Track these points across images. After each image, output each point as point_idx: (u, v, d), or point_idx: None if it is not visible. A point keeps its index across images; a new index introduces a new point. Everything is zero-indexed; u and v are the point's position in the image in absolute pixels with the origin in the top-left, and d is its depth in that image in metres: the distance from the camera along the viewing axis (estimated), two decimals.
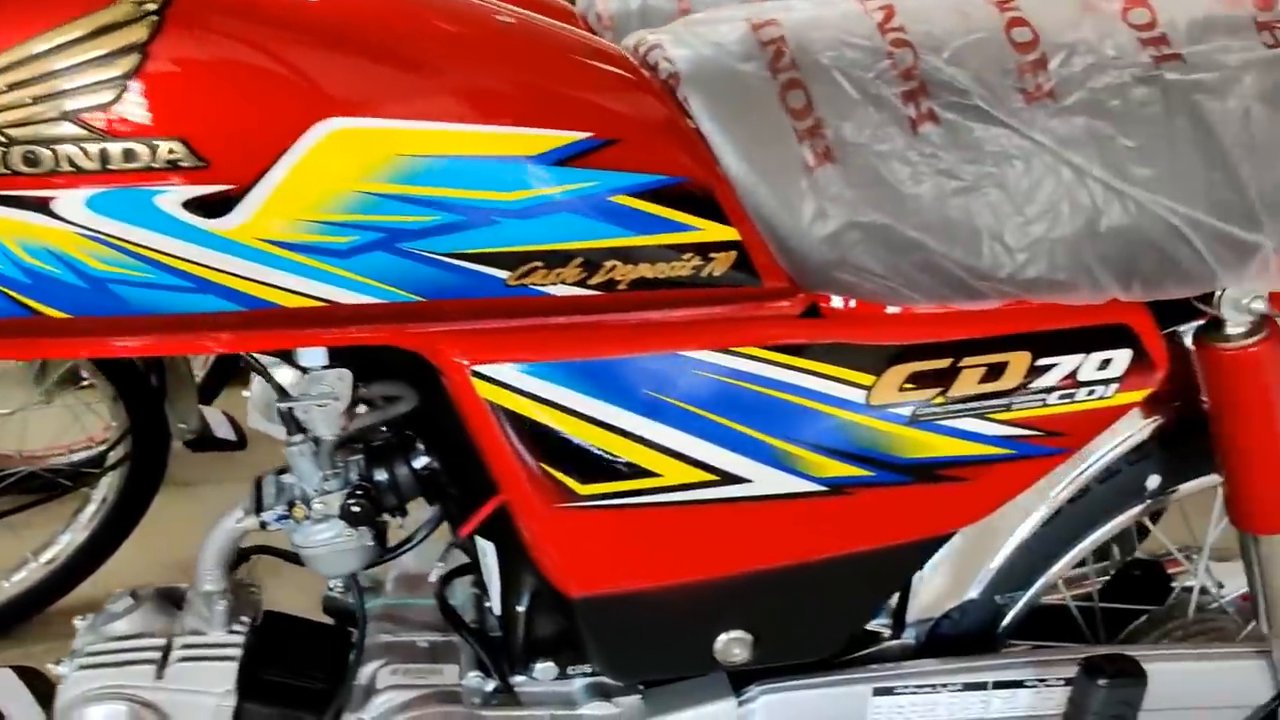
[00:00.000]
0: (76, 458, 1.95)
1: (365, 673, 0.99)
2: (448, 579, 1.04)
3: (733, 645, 0.92)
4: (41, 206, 0.65)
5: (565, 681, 0.98)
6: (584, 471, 0.80)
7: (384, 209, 0.70)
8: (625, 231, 0.75)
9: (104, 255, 0.67)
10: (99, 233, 0.66)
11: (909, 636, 1.06)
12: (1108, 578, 1.27)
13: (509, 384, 0.76)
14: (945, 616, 1.05)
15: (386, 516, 0.97)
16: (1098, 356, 0.85)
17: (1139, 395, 0.88)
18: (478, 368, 0.76)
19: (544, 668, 0.97)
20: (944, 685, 0.99)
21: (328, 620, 1.08)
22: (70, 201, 0.65)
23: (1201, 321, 0.90)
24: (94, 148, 0.64)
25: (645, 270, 0.77)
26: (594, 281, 0.76)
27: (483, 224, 0.72)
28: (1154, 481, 1.02)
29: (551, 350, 0.77)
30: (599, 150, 0.74)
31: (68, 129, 0.64)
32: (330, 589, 1.10)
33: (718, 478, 0.82)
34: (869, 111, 0.77)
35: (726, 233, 0.78)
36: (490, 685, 0.97)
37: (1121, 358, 0.86)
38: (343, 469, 0.91)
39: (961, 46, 0.77)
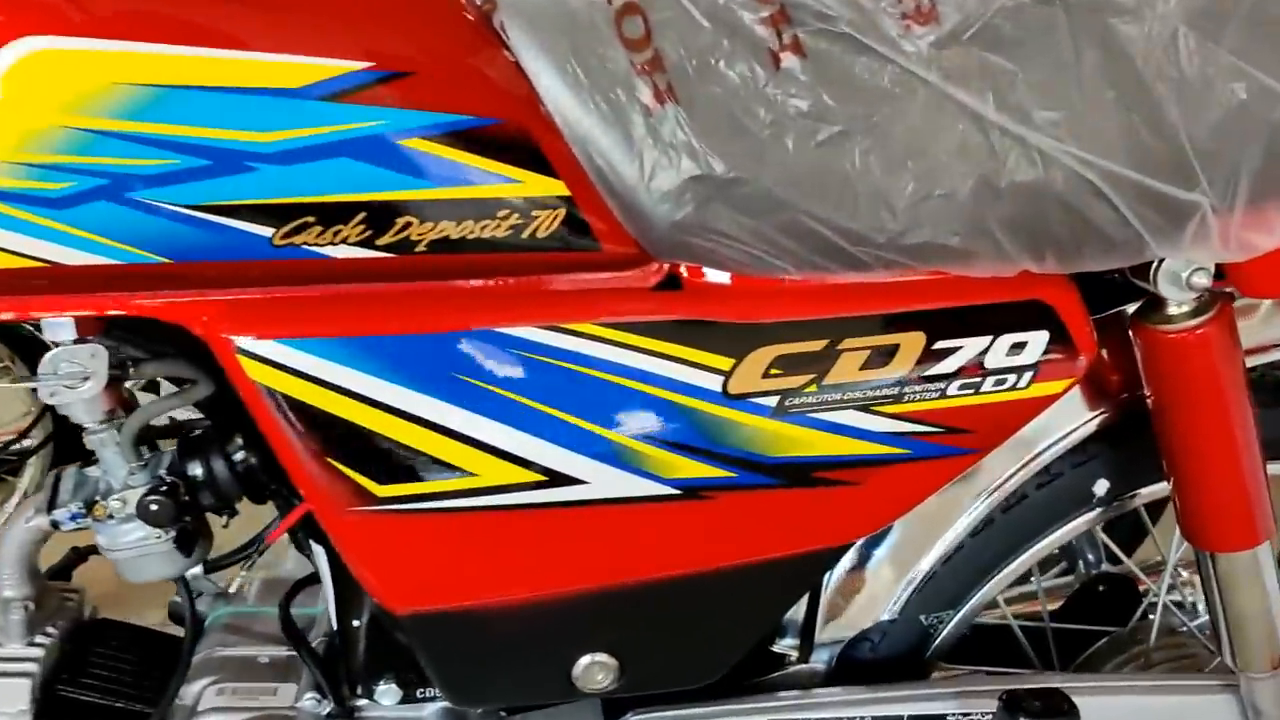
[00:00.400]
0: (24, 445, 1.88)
1: (192, 691, 0.88)
2: (300, 587, 0.93)
3: (595, 670, 0.80)
4: None
5: (414, 706, 0.87)
6: (382, 470, 0.68)
7: (106, 150, 0.58)
8: (420, 182, 0.63)
9: None
10: None
11: (819, 660, 0.93)
12: (1069, 595, 1.14)
13: (283, 364, 0.64)
14: (863, 638, 0.93)
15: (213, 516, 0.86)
16: (1008, 339, 0.72)
17: (1060, 386, 0.74)
18: (244, 344, 0.64)
19: (387, 690, 0.86)
20: (851, 718, 0.87)
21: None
22: None
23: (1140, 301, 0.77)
24: None
25: (449, 229, 0.64)
26: (383, 242, 0.64)
27: (235, 170, 0.60)
28: (1103, 486, 0.89)
29: (333, 323, 0.65)
30: (384, 84, 0.62)
31: None
32: (178, 595, 0.99)
33: (545, 478, 0.69)
34: (720, 41, 0.65)
35: (552, 186, 0.66)
36: (326, 709, 0.86)
37: (1038, 341, 0.72)
38: (151, 462, 0.80)
39: None
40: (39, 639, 0.85)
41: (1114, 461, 0.88)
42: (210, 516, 0.84)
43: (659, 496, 0.71)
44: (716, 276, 0.71)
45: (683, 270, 0.70)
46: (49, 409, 1.68)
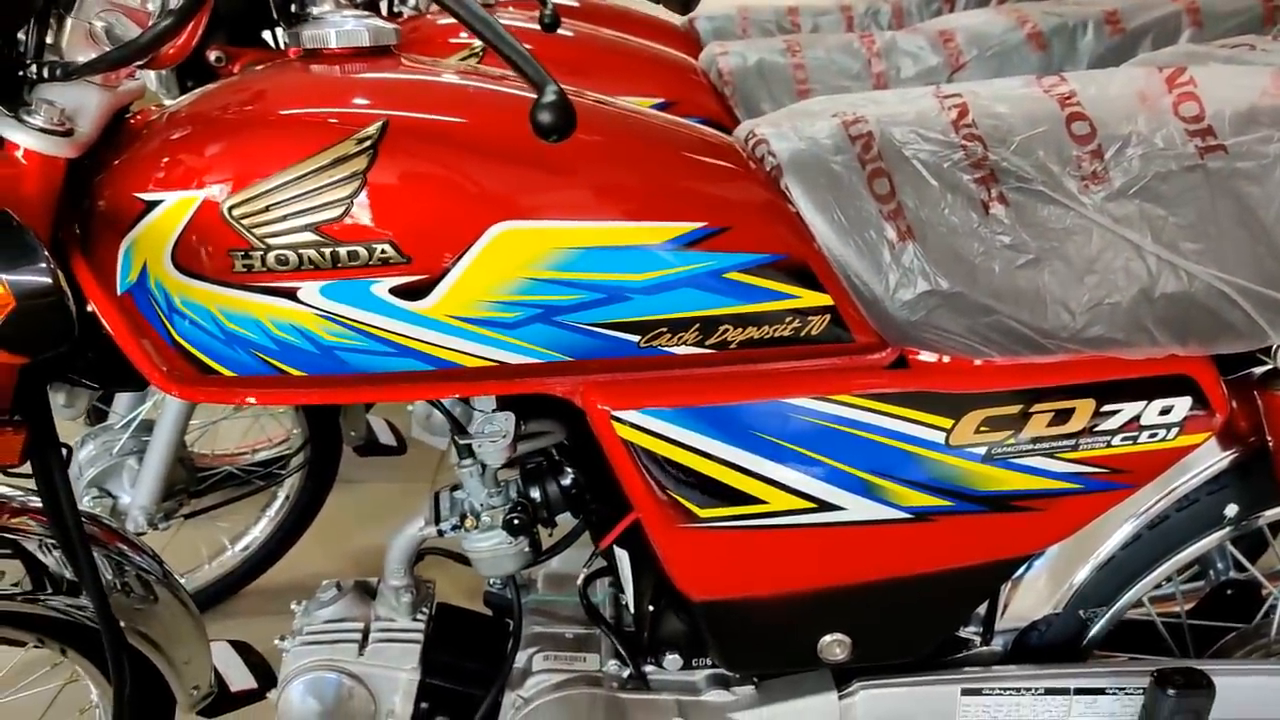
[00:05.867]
0: (259, 457, 2.18)
1: (521, 657, 1.17)
2: (589, 580, 1.22)
3: (833, 646, 1.06)
4: (289, 294, 0.85)
5: (690, 672, 1.14)
6: (703, 498, 0.96)
7: (543, 290, 0.88)
8: (736, 301, 0.91)
9: (332, 329, 0.87)
10: (330, 313, 0.86)
11: (998, 644, 1.16)
12: (1202, 597, 1.35)
13: (641, 426, 0.93)
14: (1032, 627, 1.16)
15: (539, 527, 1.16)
16: (1159, 404, 0.96)
17: (1200, 438, 0.97)
18: (617, 413, 0.93)
19: (671, 660, 1.13)
20: (1028, 689, 1.10)
21: (486, 612, 1.28)
22: (310, 290, 0.85)
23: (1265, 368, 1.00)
24: (328, 250, 0.84)
25: (753, 331, 0.92)
26: (710, 342, 0.92)
27: (619, 300, 0.89)
28: (1233, 510, 1.10)
29: (676, 398, 0.93)
30: (713, 236, 0.90)
31: (309, 237, 0.84)
32: (489, 585, 1.29)
33: (815, 505, 0.96)
34: (945, 195, 0.91)
35: (822, 299, 0.93)
36: (625, 672, 1.14)
37: (1182, 404, 0.96)
38: (504, 487, 1.10)
39: (1026, 139, 0.90)
40: (417, 616, 1.16)
41: (1243, 490, 1.09)
42: None
43: (896, 519, 0.98)
44: (933, 357, 0.97)
45: (921, 355, 0.96)
46: (310, 437, 2.00)
